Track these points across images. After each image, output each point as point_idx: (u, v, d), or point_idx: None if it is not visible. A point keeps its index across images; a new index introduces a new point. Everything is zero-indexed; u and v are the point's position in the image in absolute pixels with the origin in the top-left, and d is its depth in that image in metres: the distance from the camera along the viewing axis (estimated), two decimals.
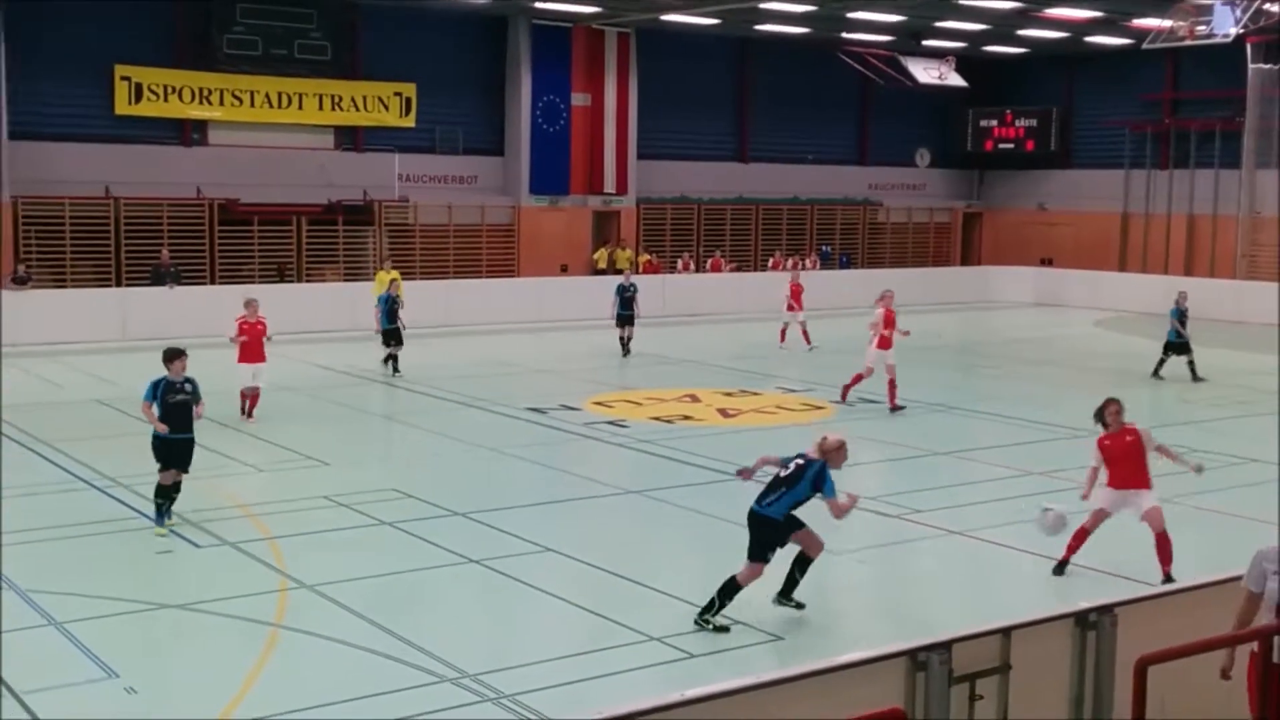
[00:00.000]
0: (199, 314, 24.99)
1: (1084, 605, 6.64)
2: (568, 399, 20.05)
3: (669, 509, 13.57)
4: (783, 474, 9.84)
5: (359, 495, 13.69)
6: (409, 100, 32.53)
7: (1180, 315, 22.83)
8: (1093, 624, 6.57)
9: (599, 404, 19.78)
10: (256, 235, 30.62)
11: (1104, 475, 11.08)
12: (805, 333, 26.31)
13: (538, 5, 31.88)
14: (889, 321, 19.54)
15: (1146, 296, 35.54)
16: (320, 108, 31.58)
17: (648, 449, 16.55)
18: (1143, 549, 10.97)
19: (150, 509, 12.34)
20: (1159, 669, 5.90)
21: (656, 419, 18.54)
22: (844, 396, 19.84)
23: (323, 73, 31.39)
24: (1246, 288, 34.03)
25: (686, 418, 18.84)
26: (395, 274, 24.86)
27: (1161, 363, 22.91)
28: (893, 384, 19.24)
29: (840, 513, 9.72)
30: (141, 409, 12.29)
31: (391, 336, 22.21)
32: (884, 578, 11.71)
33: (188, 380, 12.29)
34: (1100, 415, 11.11)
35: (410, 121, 32.63)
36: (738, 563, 9.89)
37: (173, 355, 12.31)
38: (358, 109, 32.05)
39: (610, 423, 18.30)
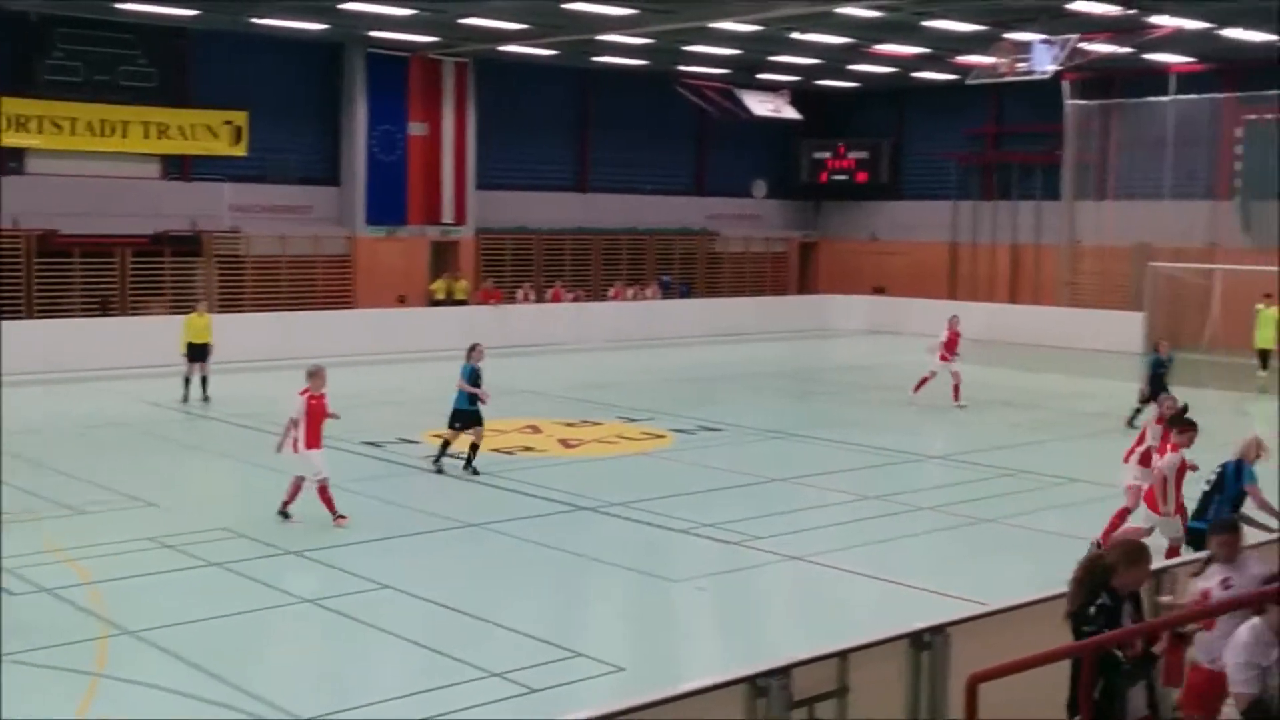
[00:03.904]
0: (13, 350, 23.81)
1: (918, 625, 6.73)
2: (405, 431, 19.70)
3: (510, 541, 13.40)
4: (1208, 488, 10.53)
5: (187, 536, 13.18)
6: (239, 128, 31.69)
7: (1158, 364, 20.11)
8: (927, 644, 6.67)
9: (438, 436, 19.44)
10: (78, 267, 29.44)
11: None
12: (957, 387, 22.95)
13: (373, 34, 31.49)
14: None
15: (975, 324, 36.75)
16: (146, 136, 30.50)
17: (488, 481, 16.36)
18: (973, 569, 11.23)
19: None
20: (992, 685, 6.00)
21: (497, 450, 18.33)
22: None
23: (149, 100, 30.38)
24: (1069, 314, 35.40)
25: (527, 449, 18.70)
26: (207, 317, 23.36)
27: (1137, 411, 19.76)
28: None
29: (1259, 501, 10.30)
30: (459, 385, 16.71)
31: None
32: (723, 604, 11.74)
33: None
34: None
35: (241, 150, 31.78)
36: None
37: (473, 347, 17.12)
38: (186, 137, 31.08)
39: (449, 455, 18.02)
